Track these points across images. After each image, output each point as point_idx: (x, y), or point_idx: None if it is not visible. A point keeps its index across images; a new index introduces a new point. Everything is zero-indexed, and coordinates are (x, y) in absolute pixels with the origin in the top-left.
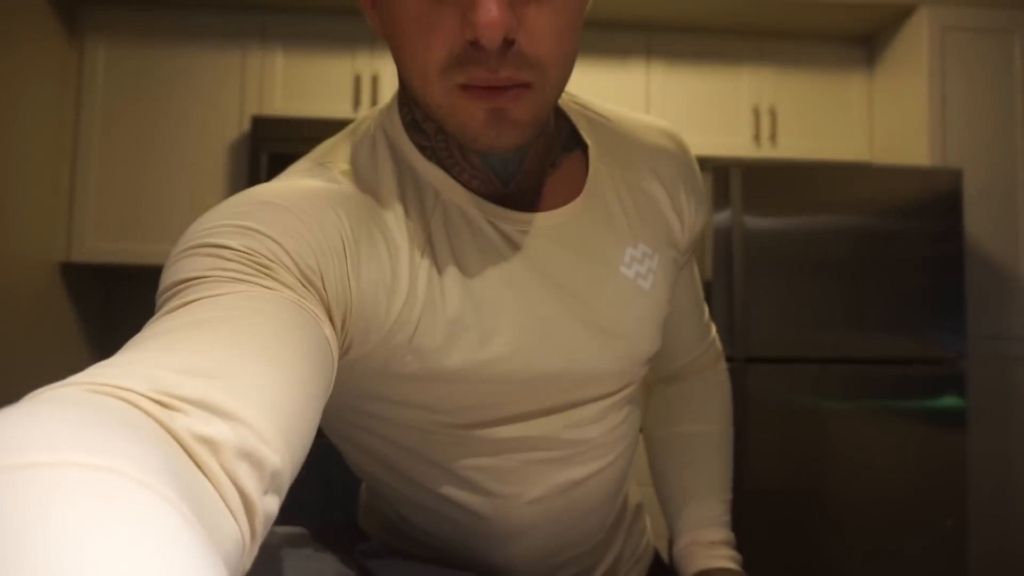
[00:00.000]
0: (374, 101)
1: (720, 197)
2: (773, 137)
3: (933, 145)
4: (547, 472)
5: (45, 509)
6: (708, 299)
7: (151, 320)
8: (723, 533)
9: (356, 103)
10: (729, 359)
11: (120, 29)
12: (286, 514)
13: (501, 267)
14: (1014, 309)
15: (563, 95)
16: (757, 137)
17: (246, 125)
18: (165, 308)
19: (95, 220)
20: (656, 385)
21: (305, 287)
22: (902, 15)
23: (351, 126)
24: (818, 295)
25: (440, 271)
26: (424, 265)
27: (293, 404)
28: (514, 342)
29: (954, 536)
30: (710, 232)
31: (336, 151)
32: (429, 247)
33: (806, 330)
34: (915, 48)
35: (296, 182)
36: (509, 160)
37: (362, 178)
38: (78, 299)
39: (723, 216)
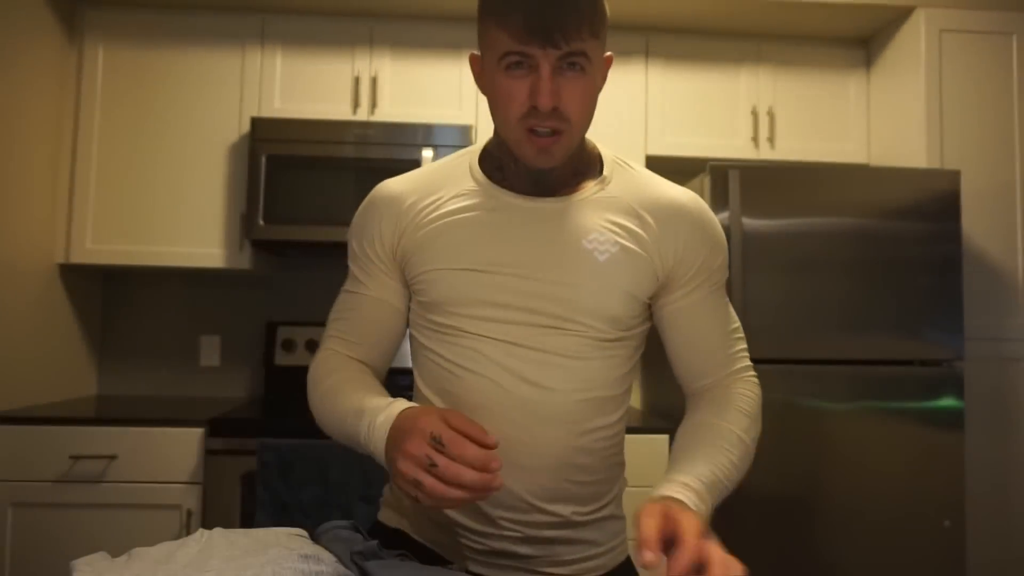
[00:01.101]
0: (373, 102)
1: (718, 198)
2: (771, 139)
3: (931, 146)
4: (516, 364)
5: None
6: None
7: (346, 286)
8: (696, 483)
9: (355, 104)
10: None
11: (119, 30)
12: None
13: (501, 219)
14: (1012, 310)
15: (613, 155)
16: (755, 138)
17: (245, 126)
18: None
19: (94, 221)
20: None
21: (385, 271)
22: (900, 17)
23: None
24: (816, 296)
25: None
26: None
27: (375, 347)
28: (491, 254)
29: (952, 536)
30: None
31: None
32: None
33: (804, 331)
34: (913, 50)
35: (399, 179)
36: (545, 172)
37: (441, 169)
38: (77, 300)
39: (721, 217)
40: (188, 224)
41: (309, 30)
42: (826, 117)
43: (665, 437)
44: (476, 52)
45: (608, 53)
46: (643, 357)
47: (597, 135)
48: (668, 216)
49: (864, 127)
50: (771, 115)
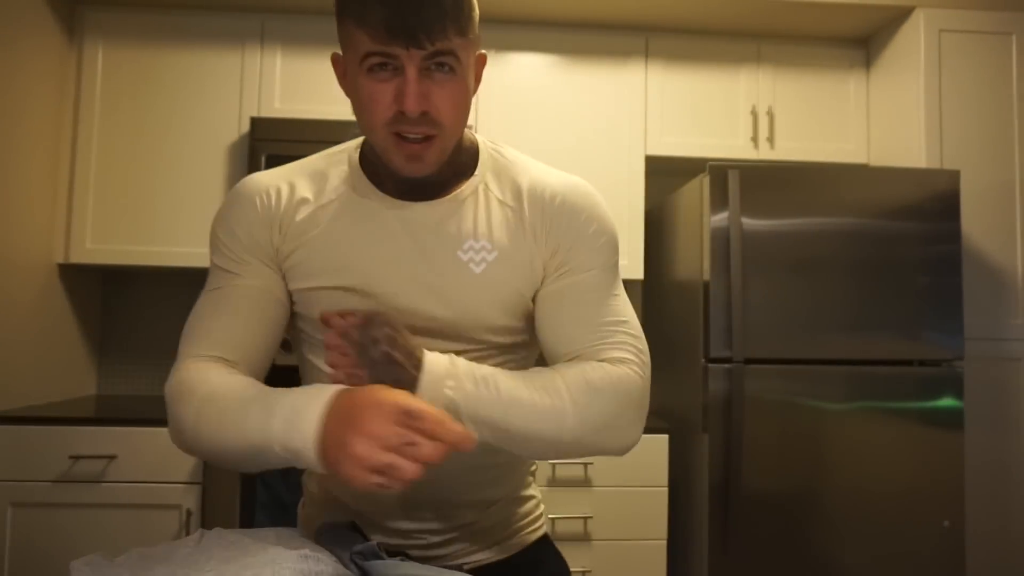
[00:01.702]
0: None
1: (718, 198)
2: (771, 138)
3: (930, 146)
4: None
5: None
6: (706, 300)
7: (210, 287)
8: (462, 366)
9: None
10: (728, 360)
11: (119, 31)
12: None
13: (376, 230)
14: (1011, 310)
15: (490, 143)
16: (755, 138)
17: (245, 126)
18: (210, 286)
19: (94, 221)
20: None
21: (261, 260)
22: (899, 17)
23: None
24: (816, 296)
25: (328, 227)
26: (319, 221)
27: (257, 347)
28: (367, 272)
29: (951, 536)
30: (707, 233)
31: (326, 153)
32: (327, 214)
33: (804, 331)
34: (912, 50)
35: (265, 174)
36: (420, 177)
37: (319, 164)
38: (77, 300)
39: (721, 217)
40: (188, 224)
41: (309, 30)
42: (826, 117)
43: (665, 437)
44: (338, 52)
45: (481, 51)
46: None
47: (598, 135)
48: (543, 205)
49: (864, 127)
50: (771, 115)
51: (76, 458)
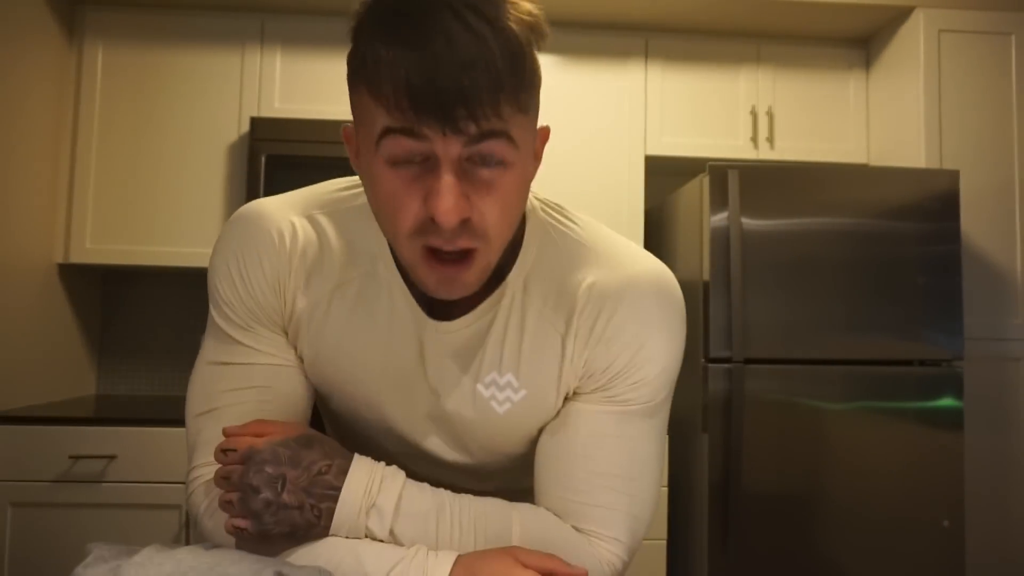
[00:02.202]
0: None
1: (718, 199)
2: (771, 139)
3: (930, 146)
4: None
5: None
6: (706, 300)
7: (215, 356)
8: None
9: None
10: (727, 360)
11: (119, 31)
12: None
13: (392, 342)
14: (1011, 310)
15: (545, 210)
16: (755, 139)
17: (245, 126)
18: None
19: (93, 221)
20: None
21: (279, 316)
22: (899, 17)
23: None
24: (816, 296)
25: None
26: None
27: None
28: (378, 390)
29: (951, 536)
30: (707, 233)
31: (341, 200)
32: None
33: (804, 331)
34: (912, 50)
35: (279, 221)
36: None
37: (350, 222)
38: (77, 300)
39: (720, 217)
40: (188, 224)
41: (309, 30)
42: (825, 117)
43: (665, 437)
44: (349, 124)
45: (544, 125)
46: None
47: (597, 135)
48: (594, 320)
49: (863, 127)
50: (770, 115)
51: (76, 458)
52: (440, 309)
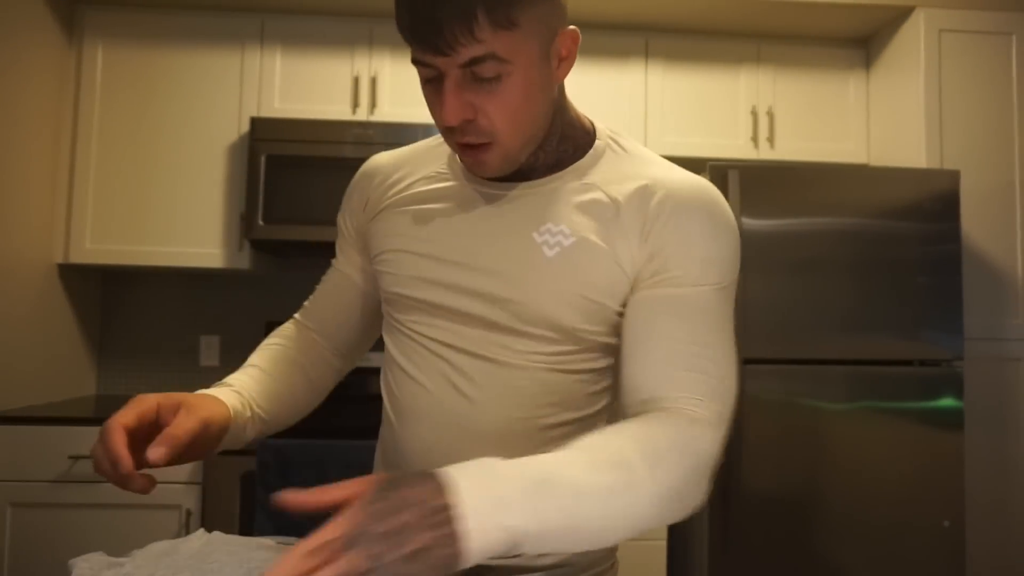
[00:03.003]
0: (372, 102)
1: None
2: (771, 138)
3: (930, 146)
4: (449, 371)
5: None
6: None
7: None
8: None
9: (355, 104)
10: None
11: (118, 30)
12: (285, 514)
13: (462, 204)
14: (1011, 310)
15: (609, 132)
16: (755, 139)
17: (245, 126)
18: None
19: (93, 221)
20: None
21: (353, 237)
22: (899, 17)
23: None
24: (816, 296)
25: (413, 204)
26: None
27: (338, 325)
28: (441, 240)
29: (951, 536)
30: None
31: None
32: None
33: (804, 331)
34: (912, 50)
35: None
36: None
37: (428, 146)
38: (76, 300)
39: None
40: (187, 224)
41: (309, 30)
42: (826, 117)
43: None
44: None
45: (570, 28)
46: None
47: None
48: (651, 200)
49: (864, 127)
50: (771, 115)
51: (76, 458)
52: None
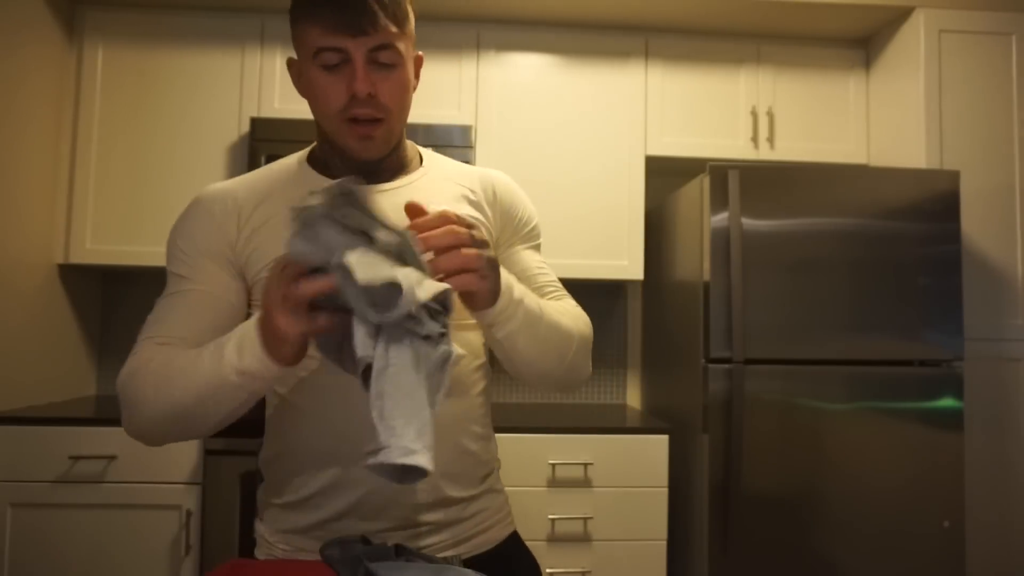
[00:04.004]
0: None
1: (718, 199)
2: (771, 139)
3: (930, 147)
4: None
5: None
6: (706, 300)
7: (166, 293)
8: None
9: None
10: (727, 360)
11: (119, 31)
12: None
13: None
14: (1011, 310)
15: (425, 151)
16: (755, 139)
17: (245, 126)
18: (167, 292)
19: (94, 222)
20: None
21: (218, 264)
22: (899, 17)
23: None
24: (816, 296)
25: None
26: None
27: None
28: None
29: (951, 536)
30: (707, 234)
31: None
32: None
33: (804, 331)
34: (912, 50)
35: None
36: (371, 164)
37: (269, 172)
38: (77, 300)
39: (721, 218)
40: None
41: None
42: (825, 117)
43: (665, 437)
44: (293, 56)
45: (419, 53)
46: (644, 358)
47: (598, 135)
48: (488, 187)
49: (863, 127)
50: (771, 115)
51: (76, 458)
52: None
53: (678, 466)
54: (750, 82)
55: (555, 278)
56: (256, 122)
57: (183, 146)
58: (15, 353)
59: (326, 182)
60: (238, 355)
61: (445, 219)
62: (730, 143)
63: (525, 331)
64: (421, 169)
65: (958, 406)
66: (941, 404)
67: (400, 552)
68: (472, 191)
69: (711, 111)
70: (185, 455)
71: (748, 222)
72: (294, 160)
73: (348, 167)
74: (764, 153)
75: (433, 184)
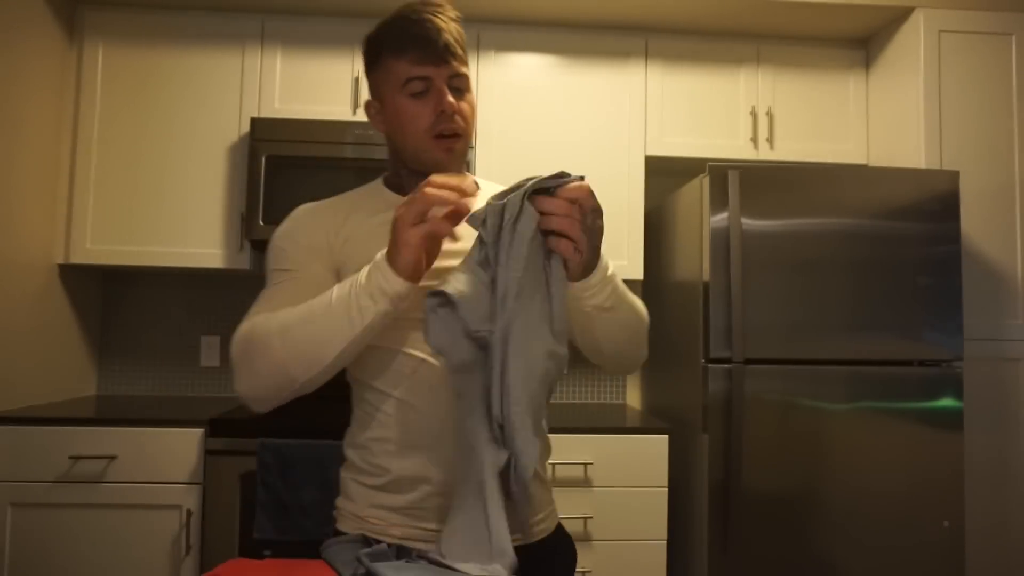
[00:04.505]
0: None
1: (718, 199)
2: (771, 139)
3: (930, 147)
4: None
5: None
6: (706, 300)
7: (267, 287)
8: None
9: (355, 104)
10: (727, 360)
11: (119, 31)
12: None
13: None
14: (1011, 310)
15: (477, 178)
16: (755, 139)
17: (245, 126)
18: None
19: (94, 222)
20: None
21: (318, 260)
22: (899, 17)
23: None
24: (816, 296)
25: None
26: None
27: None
28: None
29: (951, 536)
30: (707, 234)
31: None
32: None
33: (804, 331)
34: (912, 50)
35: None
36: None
37: (353, 196)
38: (77, 300)
39: (721, 218)
40: (188, 224)
41: (309, 30)
42: (825, 118)
43: (665, 437)
44: (371, 99)
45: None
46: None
47: (598, 135)
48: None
49: (863, 127)
50: (770, 116)
51: (76, 458)
52: None
53: (678, 466)
54: (750, 82)
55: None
56: (256, 122)
57: (183, 146)
58: (15, 353)
59: (400, 200)
60: (366, 278)
61: (581, 189)
62: (730, 143)
63: (609, 306)
64: (480, 191)
65: (958, 406)
66: (941, 404)
67: (400, 552)
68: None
69: (711, 111)
70: (185, 455)
71: (748, 222)
72: (372, 184)
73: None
74: (764, 153)
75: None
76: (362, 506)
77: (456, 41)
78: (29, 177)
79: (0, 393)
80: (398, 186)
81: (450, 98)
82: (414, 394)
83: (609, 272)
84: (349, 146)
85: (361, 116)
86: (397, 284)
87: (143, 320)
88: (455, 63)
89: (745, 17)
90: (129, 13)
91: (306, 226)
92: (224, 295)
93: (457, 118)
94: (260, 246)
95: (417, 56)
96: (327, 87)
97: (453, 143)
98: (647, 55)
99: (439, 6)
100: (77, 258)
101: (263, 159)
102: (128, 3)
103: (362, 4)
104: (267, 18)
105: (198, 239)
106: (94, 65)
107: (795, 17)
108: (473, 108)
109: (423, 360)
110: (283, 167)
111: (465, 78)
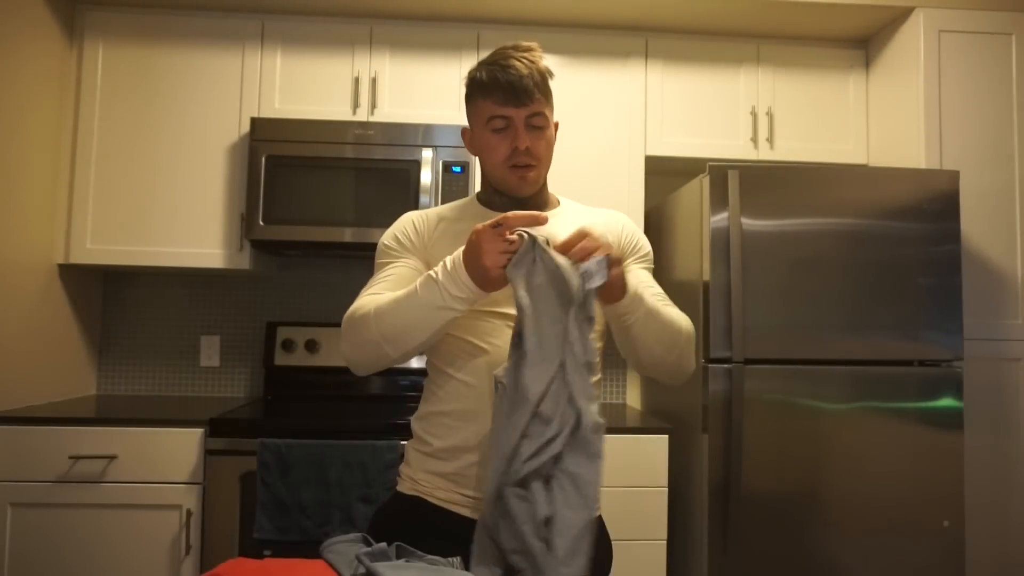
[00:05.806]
0: (372, 102)
1: (718, 199)
2: (771, 139)
3: (930, 147)
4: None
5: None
6: (706, 300)
7: (374, 278)
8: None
9: (355, 105)
10: (727, 360)
11: (119, 31)
12: (286, 514)
13: None
14: (1011, 310)
15: (561, 197)
16: (755, 139)
17: (245, 126)
18: (381, 267)
19: (94, 221)
20: None
21: (416, 254)
22: (899, 17)
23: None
24: (816, 296)
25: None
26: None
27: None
28: None
29: (951, 536)
30: (707, 234)
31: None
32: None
33: (804, 331)
34: (912, 50)
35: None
36: (524, 201)
37: (448, 207)
38: (77, 300)
39: (720, 218)
40: (188, 224)
41: (309, 30)
42: (825, 117)
43: (665, 437)
44: (466, 126)
45: (556, 120)
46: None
47: (598, 135)
48: (614, 222)
49: (863, 127)
50: (770, 115)
51: (76, 458)
52: None
53: (678, 466)
54: (750, 82)
55: (661, 291)
56: (256, 122)
57: (183, 146)
58: (15, 353)
59: (490, 214)
60: (446, 278)
61: (583, 233)
62: (730, 143)
63: (645, 321)
64: (560, 208)
65: (958, 406)
66: (941, 404)
67: (400, 552)
68: (604, 223)
69: (711, 111)
70: (185, 455)
71: (748, 222)
72: (467, 198)
73: (507, 204)
74: (764, 153)
75: (569, 217)
76: (416, 470)
77: (537, 85)
78: (29, 177)
79: (0, 393)
80: (487, 201)
81: (523, 138)
82: (472, 375)
83: (639, 293)
84: (349, 146)
85: (361, 116)
86: (469, 289)
87: (143, 320)
88: (534, 105)
89: (745, 17)
90: (129, 13)
91: (407, 229)
92: (224, 295)
93: (532, 152)
94: (260, 246)
95: (500, 98)
96: (327, 87)
97: (526, 172)
98: (647, 55)
99: (529, 49)
100: (77, 258)
101: (263, 159)
102: (128, 3)
103: (362, 4)
104: (267, 18)
105: (198, 239)
106: (94, 65)
107: (795, 17)
108: (549, 143)
109: (481, 347)
110: (283, 167)
111: (542, 116)
